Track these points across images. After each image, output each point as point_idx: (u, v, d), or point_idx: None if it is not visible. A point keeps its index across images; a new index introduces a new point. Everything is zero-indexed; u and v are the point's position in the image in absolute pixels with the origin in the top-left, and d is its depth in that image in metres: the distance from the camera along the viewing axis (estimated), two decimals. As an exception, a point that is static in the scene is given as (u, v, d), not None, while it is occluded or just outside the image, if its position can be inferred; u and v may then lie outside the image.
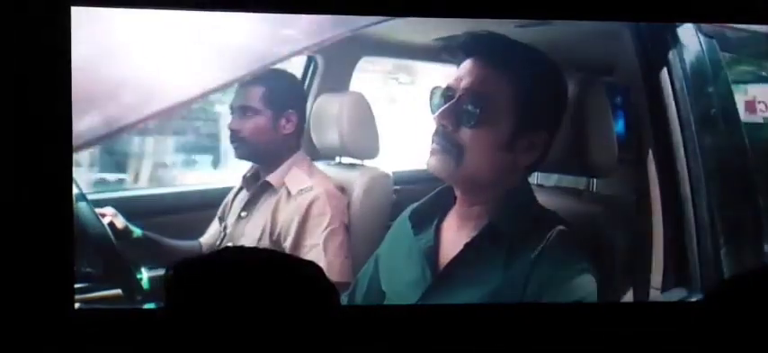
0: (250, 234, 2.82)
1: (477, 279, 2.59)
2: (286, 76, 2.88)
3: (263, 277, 1.23)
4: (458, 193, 2.67)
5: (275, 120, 2.84)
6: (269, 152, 2.85)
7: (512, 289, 2.56)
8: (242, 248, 1.32)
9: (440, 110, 2.61)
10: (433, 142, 2.62)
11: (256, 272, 1.24)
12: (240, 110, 2.82)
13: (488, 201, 2.62)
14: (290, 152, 2.87)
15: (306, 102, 2.92)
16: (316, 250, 2.75)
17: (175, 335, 1.22)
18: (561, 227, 2.60)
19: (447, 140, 2.59)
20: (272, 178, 2.85)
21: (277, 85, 2.84)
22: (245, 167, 2.91)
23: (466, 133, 2.58)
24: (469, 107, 2.57)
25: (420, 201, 2.72)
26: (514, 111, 2.57)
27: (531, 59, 2.66)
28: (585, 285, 2.59)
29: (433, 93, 2.68)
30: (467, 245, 2.60)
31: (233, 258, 1.28)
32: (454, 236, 2.65)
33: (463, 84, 2.60)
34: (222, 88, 2.85)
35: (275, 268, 1.26)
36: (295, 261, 1.31)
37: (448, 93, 2.61)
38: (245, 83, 2.82)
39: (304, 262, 1.30)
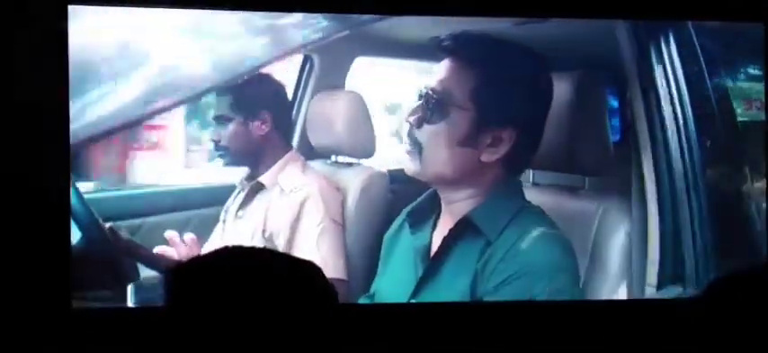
0: (245, 233, 2.83)
1: (457, 272, 2.60)
2: (258, 78, 2.88)
3: (260, 277, 1.24)
4: (438, 192, 2.69)
5: (246, 124, 2.86)
6: (252, 155, 2.89)
7: (485, 283, 2.57)
8: (240, 248, 1.32)
9: (411, 108, 2.64)
10: (404, 142, 2.66)
11: (254, 272, 1.24)
12: (216, 120, 2.90)
13: (468, 197, 2.63)
14: (278, 152, 2.88)
15: (286, 98, 2.93)
16: (309, 247, 2.76)
17: (174, 335, 1.23)
18: (542, 228, 2.59)
19: (411, 139, 2.64)
20: (264, 178, 2.88)
21: (246, 90, 2.86)
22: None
23: (424, 130, 2.61)
24: (428, 105, 2.60)
25: (416, 200, 2.73)
26: (474, 107, 2.59)
27: (511, 57, 2.67)
28: (563, 287, 2.59)
29: (419, 94, 2.71)
30: (444, 238, 2.61)
31: (230, 258, 1.29)
32: (444, 233, 2.66)
33: (428, 83, 2.62)
34: (217, 88, 2.86)
35: (273, 268, 1.26)
36: (292, 261, 1.31)
37: (419, 93, 2.64)
38: (219, 92, 2.86)
39: (302, 261, 1.30)
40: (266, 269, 1.25)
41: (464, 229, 2.59)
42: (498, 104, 2.59)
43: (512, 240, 2.54)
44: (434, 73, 2.64)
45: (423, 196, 2.72)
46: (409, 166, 2.64)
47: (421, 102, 2.62)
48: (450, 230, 2.61)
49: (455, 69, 2.62)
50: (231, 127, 2.87)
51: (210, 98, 2.90)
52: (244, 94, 2.86)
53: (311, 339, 1.23)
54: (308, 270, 1.28)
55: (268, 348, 1.20)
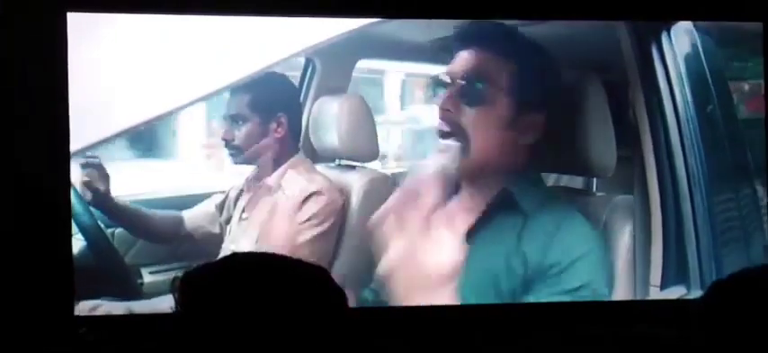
0: (249, 236, 2.83)
1: (494, 251, 2.63)
2: (275, 78, 2.88)
3: (269, 283, 1.24)
4: (463, 184, 2.69)
5: (265, 125, 2.85)
6: (264, 156, 2.86)
7: (529, 265, 2.59)
8: (249, 254, 1.33)
9: (443, 96, 2.64)
10: (439, 129, 2.66)
11: (263, 277, 1.25)
12: (231, 119, 2.86)
13: (498, 183, 2.64)
14: (287, 154, 2.88)
15: (299, 102, 2.92)
16: (300, 251, 2.75)
17: (185, 341, 1.23)
18: (573, 209, 2.63)
19: (452, 125, 2.64)
20: (268, 181, 2.87)
21: (265, 90, 2.85)
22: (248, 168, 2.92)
23: (470, 115, 2.62)
24: (471, 89, 2.61)
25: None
26: (512, 91, 2.62)
27: (521, 44, 2.70)
28: (590, 271, 2.62)
29: (430, 84, 2.71)
30: (483, 212, 2.64)
31: (240, 264, 1.29)
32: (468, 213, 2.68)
33: (461, 69, 2.65)
34: (219, 92, 2.85)
35: (282, 273, 1.26)
36: (301, 265, 1.31)
37: (446, 80, 2.65)
38: (235, 90, 2.83)
39: (311, 266, 1.30)
40: (274, 275, 1.26)
41: (501, 200, 2.63)
42: (529, 89, 2.61)
43: (556, 224, 2.60)
44: (459, 62, 2.65)
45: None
46: (446, 159, 2.63)
47: (454, 88, 2.62)
48: (489, 205, 2.63)
49: (487, 56, 2.66)
50: (247, 127, 2.85)
51: (224, 95, 2.87)
52: (263, 94, 2.85)
53: (321, 342, 1.24)
54: (317, 274, 1.29)
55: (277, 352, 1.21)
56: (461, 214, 2.67)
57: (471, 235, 2.64)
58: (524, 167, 2.67)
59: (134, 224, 2.84)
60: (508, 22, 2.76)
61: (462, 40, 2.68)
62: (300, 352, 1.22)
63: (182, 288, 1.26)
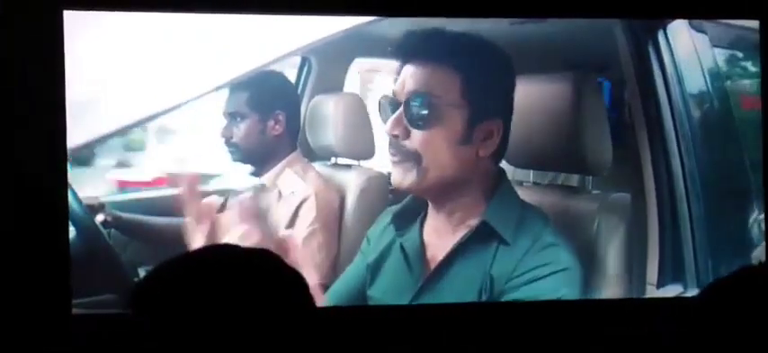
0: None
1: (466, 278, 2.59)
2: (273, 76, 2.88)
3: (215, 276, 1.25)
4: (429, 202, 2.66)
5: (263, 122, 2.86)
6: (262, 154, 2.88)
7: (494, 288, 2.57)
8: (194, 253, 1.33)
9: (388, 121, 2.60)
10: (390, 157, 2.62)
11: (209, 272, 1.26)
12: (230, 116, 2.86)
13: (465, 198, 2.62)
14: (284, 152, 2.88)
15: (297, 100, 2.92)
16: (302, 256, 2.75)
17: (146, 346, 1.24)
18: (549, 227, 2.61)
19: (401, 151, 2.58)
20: (265, 179, 2.87)
21: (263, 88, 2.86)
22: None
23: (418, 137, 2.56)
24: (416, 110, 2.56)
25: (401, 204, 2.72)
26: (464, 103, 2.56)
27: (473, 50, 2.65)
28: (566, 287, 2.59)
29: (380, 104, 2.68)
30: (458, 242, 2.60)
31: (187, 264, 1.29)
32: (439, 236, 2.65)
33: (406, 88, 2.58)
34: (216, 90, 2.85)
35: (227, 264, 1.27)
36: (246, 252, 1.31)
37: (394, 100, 2.60)
38: (234, 88, 2.84)
39: (256, 251, 1.31)
40: (220, 267, 1.26)
41: (478, 231, 2.58)
42: (484, 96, 2.59)
43: (526, 245, 2.54)
44: (404, 78, 2.60)
45: (407, 199, 2.71)
46: (403, 179, 2.58)
47: (399, 110, 2.60)
48: (467, 235, 2.58)
49: (432, 70, 2.59)
50: (246, 125, 2.85)
51: (223, 93, 2.87)
52: (260, 91, 2.85)
53: (280, 326, 1.24)
54: (263, 258, 1.29)
55: (234, 343, 1.21)
56: (432, 238, 2.66)
57: (445, 265, 2.62)
58: (490, 177, 2.63)
59: (143, 235, 2.86)
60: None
61: (405, 56, 2.61)
62: (264, 339, 1.23)
63: (136, 302, 1.26)
